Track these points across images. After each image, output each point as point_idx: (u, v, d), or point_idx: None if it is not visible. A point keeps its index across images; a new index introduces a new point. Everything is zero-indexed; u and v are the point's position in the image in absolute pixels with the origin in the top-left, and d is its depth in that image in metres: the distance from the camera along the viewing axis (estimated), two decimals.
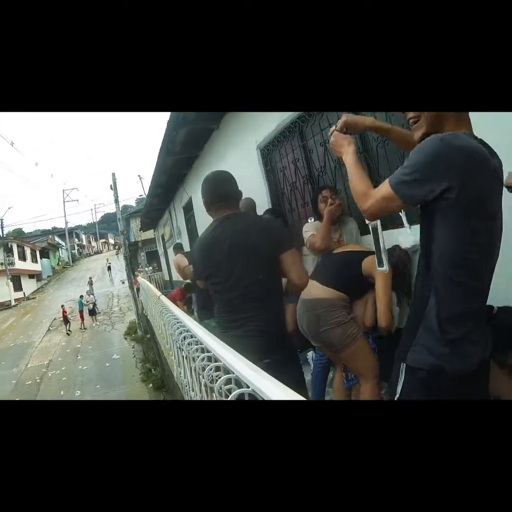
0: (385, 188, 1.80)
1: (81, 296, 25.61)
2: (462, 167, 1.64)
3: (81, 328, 23.23)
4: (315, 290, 3.50)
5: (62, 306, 24.79)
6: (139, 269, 34.07)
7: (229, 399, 1.65)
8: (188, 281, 7.76)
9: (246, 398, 1.57)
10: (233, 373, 1.74)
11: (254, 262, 2.73)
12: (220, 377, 1.96)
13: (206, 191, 3.05)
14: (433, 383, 1.82)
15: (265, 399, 1.29)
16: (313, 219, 4.27)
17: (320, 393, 4.47)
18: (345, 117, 2.30)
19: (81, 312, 23.93)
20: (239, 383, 1.71)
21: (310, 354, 4.97)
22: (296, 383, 2.59)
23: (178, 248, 8.57)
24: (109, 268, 43.46)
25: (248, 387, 1.52)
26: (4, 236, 42.75)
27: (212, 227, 3.00)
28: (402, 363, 1.92)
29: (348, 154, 2.14)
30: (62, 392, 14.19)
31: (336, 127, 2.31)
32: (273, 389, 1.29)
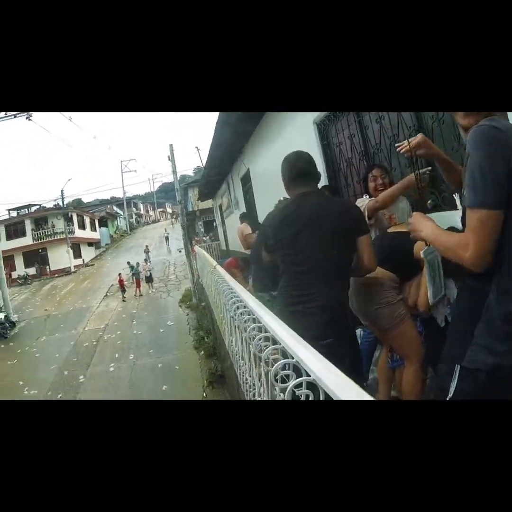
0: (472, 216, 1.64)
1: (137, 264, 25.98)
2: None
3: (135, 295, 23.69)
4: None
5: (119, 274, 25.26)
6: (196, 238, 34.33)
7: (274, 368, 1.69)
8: (246, 255, 7.83)
9: (290, 368, 1.61)
10: (280, 344, 1.74)
11: (328, 240, 2.78)
12: (268, 347, 1.98)
13: (286, 169, 3.14)
14: (491, 382, 1.70)
15: (307, 370, 1.32)
16: (367, 196, 4.24)
17: (364, 370, 4.45)
18: (421, 136, 2.27)
19: (137, 279, 24.13)
20: (285, 354, 1.71)
21: (358, 332, 4.98)
22: (350, 364, 2.60)
23: (245, 217, 8.65)
24: (166, 238, 43.87)
25: (292, 358, 1.54)
26: (65, 206, 43.73)
27: (290, 203, 3.09)
28: (456, 365, 1.80)
29: (432, 234, 1.99)
30: (116, 355, 14.70)
31: (408, 143, 2.28)
32: (315, 362, 1.32)
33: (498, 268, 1.68)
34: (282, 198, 4.66)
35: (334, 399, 1.12)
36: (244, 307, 2.79)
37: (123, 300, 23.07)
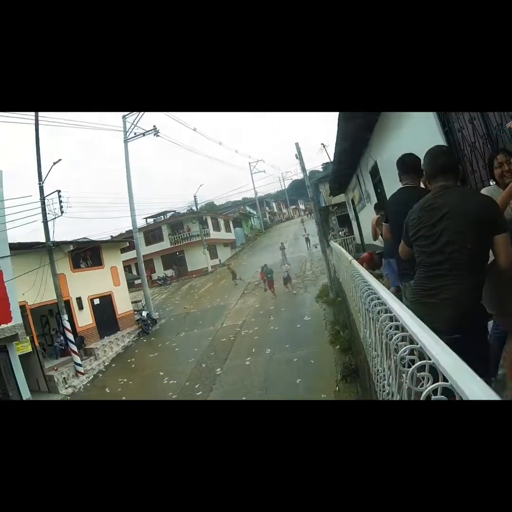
0: None
1: (265, 265, 25.27)
2: None
3: (265, 290, 23.98)
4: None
5: (262, 267, 25.73)
6: (332, 233, 34.25)
7: (411, 369, 1.72)
8: (381, 248, 7.78)
9: (427, 370, 1.63)
10: (417, 344, 1.74)
11: (466, 233, 2.79)
12: (398, 336, 2.08)
13: (428, 163, 3.23)
14: None
15: (444, 374, 1.31)
16: (493, 183, 3.99)
17: (493, 364, 4.21)
18: None
19: (270, 281, 23.76)
20: (420, 352, 1.75)
21: (489, 324, 4.72)
22: (477, 360, 2.43)
23: (379, 207, 8.59)
24: (307, 239, 43.87)
25: (429, 359, 1.55)
26: (198, 210, 45.44)
27: (431, 195, 3.11)
28: None
29: None
30: (253, 349, 15.20)
31: None
32: (454, 365, 1.30)
33: None
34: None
35: (450, 382, 1.22)
36: (378, 299, 2.88)
37: (265, 290, 23.62)
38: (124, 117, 27.88)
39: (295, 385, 11.09)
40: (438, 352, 1.43)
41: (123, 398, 13.31)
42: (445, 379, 1.33)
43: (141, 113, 27.15)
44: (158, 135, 28.24)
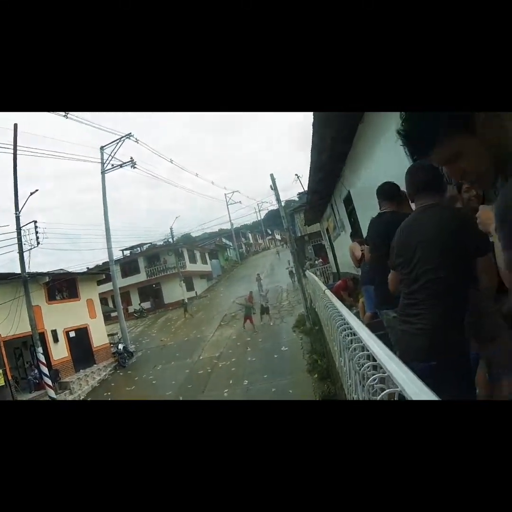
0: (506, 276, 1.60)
1: (246, 299, 25.44)
2: None
3: (244, 327, 23.09)
4: None
5: (251, 292, 26.24)
6: (309, 262, 34.45)
7: (379, 397, 1.78)
8: (356, 275, 7.94)
9: (396, 398, 1.64)
10: (385, 372, 1.75)
11: (443, 257, 2.71)
12: (368, 365, 2.12)
13: (406, 182, 3.09)
14: None
15: (410, 399, 1.34)
16: None
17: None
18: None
19: (248, 316, 23.04)
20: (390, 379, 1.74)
21: None
22: (455, 387, 2.53)
23: (355, 235, 8.75)
24: (291, 272, 43.90)
25: (397, 386, 1.55)
26: (174, 242, 45.59)
27: (411, 218, 3.03)
28: None
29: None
30: (231, 381, 15.07)
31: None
32: (420, 392, 1.31)
33: None
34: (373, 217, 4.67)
35: None
36: (350, 328, 2.88)
37: (244, 327, 23.09)
38: (102, 148, 28.14)
39: None
40: (404, 380, 1.45)
41: None
42: None
43: (119, 144, 27.39)
44: (135, 167, 28.41)
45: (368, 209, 9.64)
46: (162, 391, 16.11)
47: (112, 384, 20.03)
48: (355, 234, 10.41)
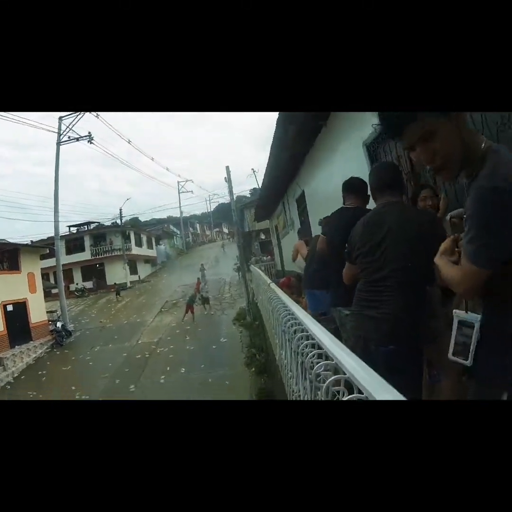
0: (467, 268, 1.64)
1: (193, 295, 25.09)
2: None
3: (184, 319, 22.68)
4: None
5: (198, 278, 27.09)
6: (254, 257, 34.61)
7: (326, 383, 1.73)
8: (300, 273, 7.96)
9: (342, 385, 1.67)
10: (333, 360, 1.78)
11: (407, 250, 2.82)
12: (313, 354, 2.11)
13: (373, 179, 3.20)
14: None
15: (360, 387, 1.33)
16: None
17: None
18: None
19: (189, 305, 22.86)
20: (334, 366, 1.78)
21: None
22: (410, 375, 2.62)
23: (303, 233, 8.77)
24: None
25: (344, 374, 1.56)
26: (123, 224, 44.94)
27: (375, 211, 3.13)
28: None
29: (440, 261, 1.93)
30: (168, 368, 15.04)
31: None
32: (368, 379, 1.32)
33: None
34: (322, 218, 4.71)
35: (365, 394, 1.24)
36: (295, 319, 2.90)
37: (184, 317, 22.74)
38: (60, 118, 27.18)
39: None
40: (353, 366, 1.47)
41: None
42: (360, 392, 1.34)
43: (80, 115, 26.66)
44: (92, 143, 27.81)
45: (321, 210, 9.79)
46: (99, 373, 15.83)
47: (48, 362, 19.49)
48: (303, 233, 10.52)
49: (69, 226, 47.06)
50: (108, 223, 47.25)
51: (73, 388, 14.68)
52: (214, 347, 16.87)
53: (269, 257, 31.55)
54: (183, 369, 14.66)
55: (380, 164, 3.26)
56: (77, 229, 47.63)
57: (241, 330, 18.22)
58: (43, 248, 26.93)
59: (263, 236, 40.68)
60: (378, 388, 1.23)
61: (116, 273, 42.21)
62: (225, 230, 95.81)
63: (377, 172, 3.23)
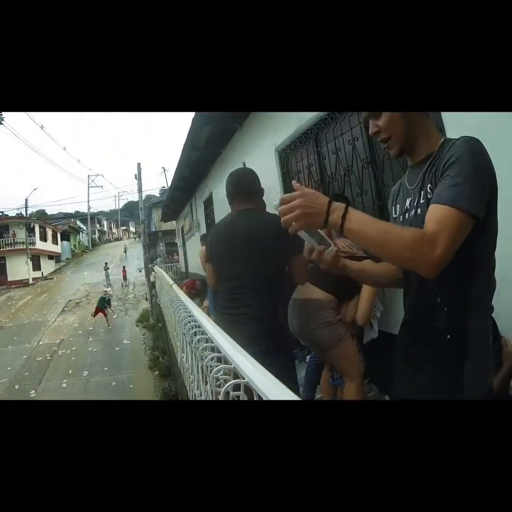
0: (447, 213, 1.47)
1: (105, 292, 23.32)
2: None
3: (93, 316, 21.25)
4: (306, 290, 3.63)
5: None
6: (159, 258, 34.77)
7: (224, 388, 1.69)
8: (204, 277, 8.01)
9: (242, 390, 1.64)
10: (231, 364, 1.76)
11: (260, 256, 2.90)
12: (212, 357, 2.10)
13: (230, 184, 3.23)
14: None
15: (258, 391, 1.29)
16: None
17: (311, 389, 4.65)
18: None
19: (100, 309, 20.82)
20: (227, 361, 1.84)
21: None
22: (282, 369, 2.65)
23: (205, 239, 8.81)
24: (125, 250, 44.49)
25: (243, 378, 1.53)
26: (27, 216, 43.32)
27: (229, 219, 3.22)
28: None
29: (347, 212, 1.53)
30: (70, 371, 14.47)
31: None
32: (267, 383, 1.29)
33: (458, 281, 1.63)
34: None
35: (264, 399, 1.20)
36: (195, 322, 2.88)
37: (93, 316, 21.10)
38: None
39: None
40: (251, 370, 1.44)
41: None
42: (260, 397, 1.28)
43: None
44: (1, 123, 26.68)
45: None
46: None
47: None
48: (206, 238, 10.56)
49: None
50: (12, 214, 45.21)
51: None
52: (117, 349, 16.52)
53: (176, 257, 31.66)
54: (86, 372, 14.17)
55: (237, 171, 3.33)
56: None
57: (144, 332, 18.06)
58: None
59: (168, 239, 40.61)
60: (276, 391, 1.20)
61: (19, 269, 40.27)
62: (132, 229, 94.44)
63: (234, 178, 3.24)
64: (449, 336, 1.66)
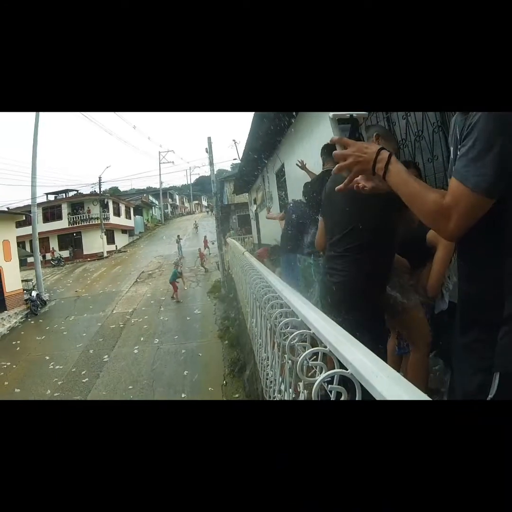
0: (460, 191, 1.46)
1: (175, 265, 22.95)
2: None
3: (173, 297, 20.74)
4: None
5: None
6: (232, 230, 35.16)
7: (302, 356, 1.55)
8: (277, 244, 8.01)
9: (319, 359, 1.51)
10: (310, 329, 1.63)
11: (363, 212, 2.69)
12: (280, 314, 2.08)
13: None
14: None
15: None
16: None
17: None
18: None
19: (173, 283, 20.94)
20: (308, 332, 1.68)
21: None
22: (372, 340, 2.54)
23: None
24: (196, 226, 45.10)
25: (325, 346, 1.42)
26: (101, 193, 44.48)
27: (328, 177, 3.15)
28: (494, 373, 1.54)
29: (389, 163, 1.64)
30: (142, 338, 14.91)
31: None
32: (349, 347, 1.22)
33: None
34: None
35: (349, 370, 1.14)
36: (268, 286, 2.83)
37: (173, 298, 20.97)
38: None
39: (182, 376, 11.04)
40: (317, 321, 1.39)
41: (6, 383, 12.59)
42: (342, 367, 1.19)
43: None
44: None
45: (300, 183, 9.78)
46: (73, 343, 15.67)
47: (22, 332, 19.04)
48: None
49: (47, 194, 46.45)
50: (86, 192, 46.60)
51: (47, 358, 14.47)
52: (188, 318, 16.80)
53: (242, 230, 32.04)
54: (157, 339, 14.56)
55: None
56: (55, 197, 46.95)
57: (215, 303, 18.23)
58: (20, 214, 25.98)
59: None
60: (341, 341, 1.22)
61: (94, 243, 41.75)
62: (204, 203, 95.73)
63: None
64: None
